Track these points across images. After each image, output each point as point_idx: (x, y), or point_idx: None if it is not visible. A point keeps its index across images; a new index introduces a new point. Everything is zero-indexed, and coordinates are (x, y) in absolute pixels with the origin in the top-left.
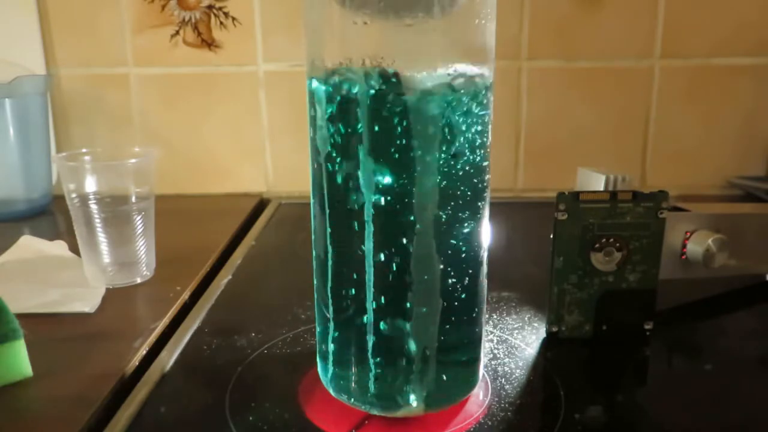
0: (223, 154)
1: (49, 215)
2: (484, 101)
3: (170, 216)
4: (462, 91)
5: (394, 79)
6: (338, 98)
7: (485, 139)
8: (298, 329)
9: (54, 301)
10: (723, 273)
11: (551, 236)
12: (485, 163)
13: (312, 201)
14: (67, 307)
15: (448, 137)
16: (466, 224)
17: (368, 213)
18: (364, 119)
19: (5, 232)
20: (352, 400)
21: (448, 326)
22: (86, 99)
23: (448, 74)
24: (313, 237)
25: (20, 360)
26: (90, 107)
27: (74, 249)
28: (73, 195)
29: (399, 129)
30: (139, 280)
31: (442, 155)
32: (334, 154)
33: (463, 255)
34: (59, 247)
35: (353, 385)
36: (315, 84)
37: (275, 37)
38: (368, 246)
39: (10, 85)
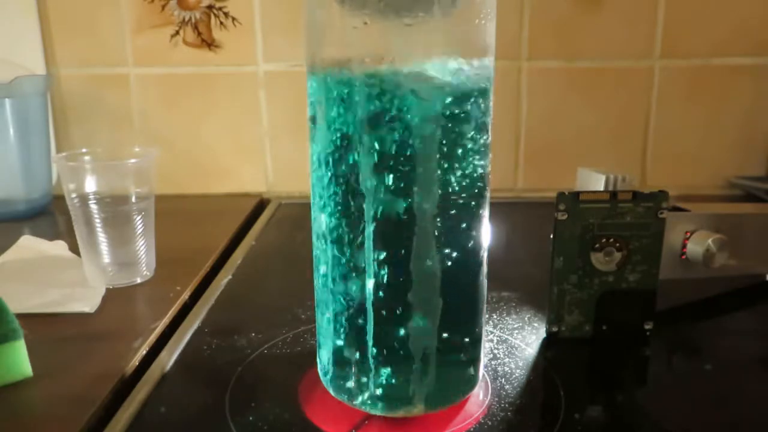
0: (223, 154)
1: (49, 215)
2: (484, 101)
3: (170, 216)
4: (462, 91)
5: (393, 79)
6: (338, 98)
7: (485, 139)
8: (298, 329)
9: (54, 301)
10: (723, 273)
11: (551, 236)
12: (485, 163)
13: (312, 201)
14: (67, 307)
15: (448, 137)
16: (466, 224)
17: (368, 213)
18: (364, 119)
19: (5, 232)
20: (352, 400)
21: (448, 326)
22: (86, 99)
23: (448, 74)
24: (313, 237)
25: (20, 360)
26: (90, 107)
27: (74, 249)
28: (73, 195)
29: (399, 129)
30: (139, 280)
31: (442, 155)
32: (333, 154)
33: (463, 255)
34: (59, 247)
35: (353, 385)
36: (315, 84)
37: (275, 37)
38: (368, 246)
39: (10, 85)
